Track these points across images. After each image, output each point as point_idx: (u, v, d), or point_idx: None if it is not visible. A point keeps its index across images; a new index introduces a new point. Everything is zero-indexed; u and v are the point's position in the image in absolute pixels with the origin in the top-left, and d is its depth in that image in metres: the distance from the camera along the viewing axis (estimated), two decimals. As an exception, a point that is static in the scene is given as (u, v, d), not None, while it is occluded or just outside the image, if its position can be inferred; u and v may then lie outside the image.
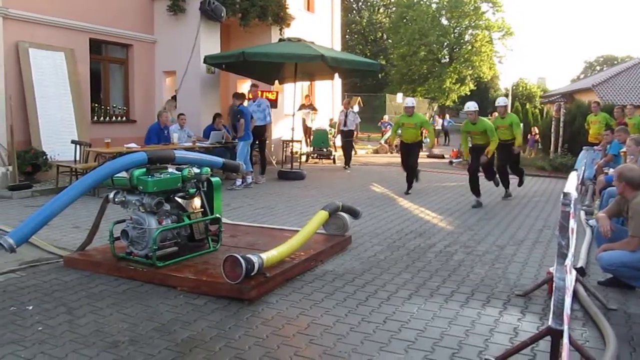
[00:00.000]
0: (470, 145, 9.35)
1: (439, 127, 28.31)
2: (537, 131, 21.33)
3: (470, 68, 42.72)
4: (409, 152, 10.47)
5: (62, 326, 3.73)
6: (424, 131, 11.70)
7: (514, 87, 42.98)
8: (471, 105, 9.01)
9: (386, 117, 24.78)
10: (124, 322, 3.82)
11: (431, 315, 4.05)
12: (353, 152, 16.45)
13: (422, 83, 43.21)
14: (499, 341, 3.57)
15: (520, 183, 10.48)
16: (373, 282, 4.82)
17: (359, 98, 27.54)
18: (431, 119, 28.32)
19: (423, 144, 12.67)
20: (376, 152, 21.04)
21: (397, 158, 15.64)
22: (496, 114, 10.37)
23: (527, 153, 19.96)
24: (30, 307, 4.07)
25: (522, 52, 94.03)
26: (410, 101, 10.68)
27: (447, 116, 30.27)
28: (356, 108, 23.95)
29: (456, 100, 46.36)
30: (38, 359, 3.25)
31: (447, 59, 44.38)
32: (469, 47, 42.65)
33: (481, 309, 4.19)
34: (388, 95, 33.46)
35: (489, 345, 3.52)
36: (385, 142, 20.78)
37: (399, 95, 32.21)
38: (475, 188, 8.99)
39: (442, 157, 18.98)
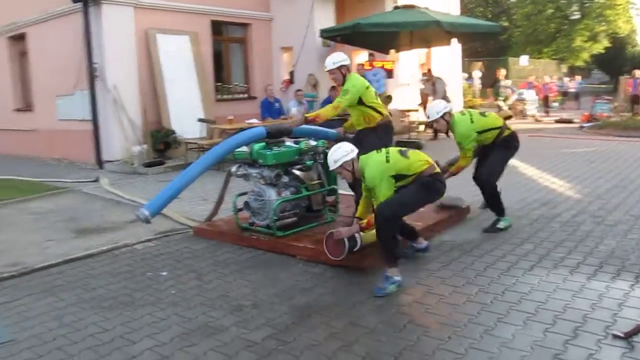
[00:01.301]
0: None
1: (572, 89, 26.38)
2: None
3: (603, 23, 39.21)
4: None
5: (192, 290, 4.05)
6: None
7: (656, 42, 38.92)
8: (334, 61, 5.18)
9: (509, 82, 23.57)
10: (247, 288, 4.06)
11: (554, 287, 3.88)
12: None
13: (549, 43, 40.41)
14: (629, 316, 3.35)
15: (488, 204, 5.76)
16: (492, 253, 4.70)
17: (481, 63, 26.42)
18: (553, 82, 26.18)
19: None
20: None
21: (520, 124, 14.86)
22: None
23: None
24: (165, 273, 4.45)
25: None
26: (329, 61, 5.20)
27: (579, 78, 28.08)
28: (478, 73, 22.97)
29: (588, 59, 42.91)
30: (172, 319, 3.56)
31: (578, 15, 41.07)
32: (602, 0, 39.12)
33: (610, 281, 3.94)
34: (510, 59, 31.72)
35: (618, 320, 3.31)
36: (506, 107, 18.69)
37: (523, 58, 30.37)
38: None
39: (571, 121, 17.77)
